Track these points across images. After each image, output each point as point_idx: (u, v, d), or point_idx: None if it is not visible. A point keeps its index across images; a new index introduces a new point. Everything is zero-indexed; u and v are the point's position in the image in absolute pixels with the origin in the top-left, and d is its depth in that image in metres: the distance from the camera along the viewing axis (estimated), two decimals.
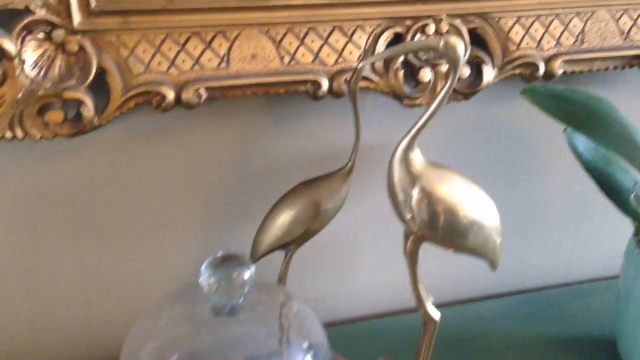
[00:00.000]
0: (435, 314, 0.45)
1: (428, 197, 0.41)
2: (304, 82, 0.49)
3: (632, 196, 0.53)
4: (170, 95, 0.46)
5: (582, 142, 0.56)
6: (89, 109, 0.45)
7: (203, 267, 0.36)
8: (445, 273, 0.65)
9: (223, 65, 0.47)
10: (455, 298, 0.66)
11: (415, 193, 0.40)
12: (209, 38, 0.47)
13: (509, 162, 0.63)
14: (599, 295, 0.66)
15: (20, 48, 0.43)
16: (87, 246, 0.51)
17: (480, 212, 0.42)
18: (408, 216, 0.42)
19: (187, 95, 0.47)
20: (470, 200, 0.42)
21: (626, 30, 0.57)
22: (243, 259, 0.36)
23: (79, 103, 0.45)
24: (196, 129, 0.51)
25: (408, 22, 0.51)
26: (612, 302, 0.58)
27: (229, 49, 0.47)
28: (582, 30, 0.55)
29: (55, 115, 0.45)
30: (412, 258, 0.43)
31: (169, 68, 0.46)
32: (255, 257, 0.46)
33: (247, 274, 0.36)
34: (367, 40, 0.51)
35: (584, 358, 0.58)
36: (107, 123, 0.47)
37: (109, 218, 0.51)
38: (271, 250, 0.46)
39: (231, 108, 0.51)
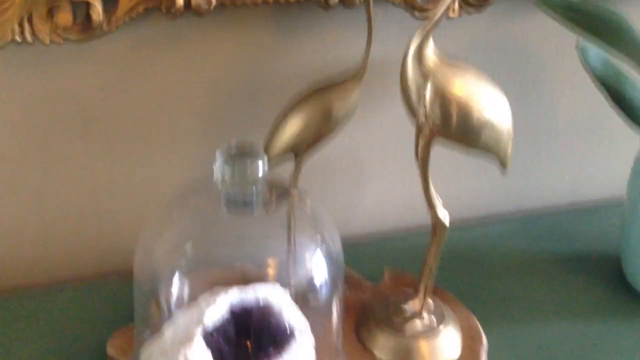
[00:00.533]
0: (445, 218, 0.45)
1: (442, 93, 0.40)
2: None
3: None
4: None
5: (595, 55, 0.55)
6: (98, 12, 0.45)
7: (217, 155, 0.36)
8: (452, 194, 0.65)
9: None
10: (462, 218, 0.66)
11: (429, 88, 0.40)
12: None
13: (519, 79, 0.63)
14: (605, 216, 0.66)
15: None
16: (98, 153, 0.52)
17: (494, 111, 0.42)
18: (421, 113, 0.42)
19: (197, 0, 0.47)
20: (485, 98, 0.41)
21: None
22: (256, 149, 0.37)
23: (88, 5, 0.45)
24: (205, 37, 0.51)
25: None
26: (617, 221, 0.59)
27: None
28: None
29: (64, 17, 0.45)
30: (423, 158, 0.42)
31: None
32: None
33: (260, 164, 0.36)
34: None
35: (589, 276, 0.59)
36: (116, 29, 0.47)
37: (120, 125, 0.52)
38: (282, 155, 0.46)
39: (241, 16, 0.51)
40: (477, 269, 0.59)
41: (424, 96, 0.41)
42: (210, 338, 0.40)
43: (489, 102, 0.42)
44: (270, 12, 0.51)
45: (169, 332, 0.41)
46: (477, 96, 0.41)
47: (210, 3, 0.47)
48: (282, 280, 0.39)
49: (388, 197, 0.64)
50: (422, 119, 0.42)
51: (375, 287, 0.53)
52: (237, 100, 0.54)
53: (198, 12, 0.47)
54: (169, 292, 0.39)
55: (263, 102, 0.53)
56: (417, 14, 0.52)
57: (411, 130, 0.44)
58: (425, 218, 0.62)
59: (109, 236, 0.55)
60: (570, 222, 0.66)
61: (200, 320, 0.40)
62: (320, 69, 0.52)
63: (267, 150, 0.47)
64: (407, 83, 0.42)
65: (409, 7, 0.52)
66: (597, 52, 0.55)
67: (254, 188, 0.37)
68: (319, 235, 0.40)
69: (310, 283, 0.40)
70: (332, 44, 0.54)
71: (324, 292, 0.40)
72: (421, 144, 0.42)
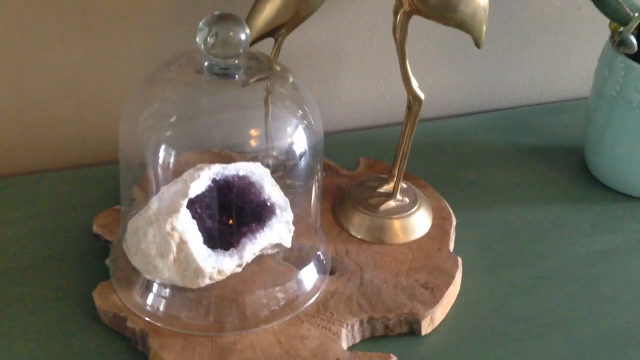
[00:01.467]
0: (420, 93, 0.46)
1: None
2: None
3: None
4: None
5: None
6: None
7: (200, 24, 0.36)
8: (426, 92, 0.67)
9: None
10: (434, 114, 0.69)
11: None
12: None
13: None
14: (571, 112, 0.69)
15: None
16: (76, 39, 0.51)
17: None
18: None
19: None
20: None
21: None
22: (238, 19, 0.37)
23: None
24: None
25: None
26: (582, 118, 0.61)
27: None
28: None
29: None
30: (401, 34, 0.43)
31: None
32: None
33: (243, 33, 0.37)
34: None
35: (553, 166, 0.62)
36: None
37: (97, 12, 0.51)
38: (262, 35, 0.46)
39: None
40: (448, 158, 0.62)
41: None
42: (195, 209, 0.42)
43: None
44: None
45: (155, 204, 0.42)
46: None
47: None
48: (263, 151, 0.40)
49: (364, 92, 0.65)
50: None
51: (352, 174, 0.55)
52: None
53: None
54: (155, 165, 0.40)
55: None
56: None
57: (386, 22, 0.44)
58: (399, 115, 0.64)
59: (89, 122, 0.55)
60: (538, 118, 0.69)
61: (185, 193, 0.42)
62: None
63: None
64: None
65: None
66: None
67: (237, 56, 0.37)
68: (300, 111, 0.41)
69: (291, 155, 0.41)
70: None
71: (303, 166, 0.42)
72: (400, 19, 0.43)
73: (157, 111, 0.39)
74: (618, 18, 0.53)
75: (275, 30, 0.46)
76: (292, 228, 0.44)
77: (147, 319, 0.40)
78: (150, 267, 0.40)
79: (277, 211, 0.44)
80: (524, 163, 0.62)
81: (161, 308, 0.40)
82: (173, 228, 0.39)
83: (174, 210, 0.40)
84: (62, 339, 0.40)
